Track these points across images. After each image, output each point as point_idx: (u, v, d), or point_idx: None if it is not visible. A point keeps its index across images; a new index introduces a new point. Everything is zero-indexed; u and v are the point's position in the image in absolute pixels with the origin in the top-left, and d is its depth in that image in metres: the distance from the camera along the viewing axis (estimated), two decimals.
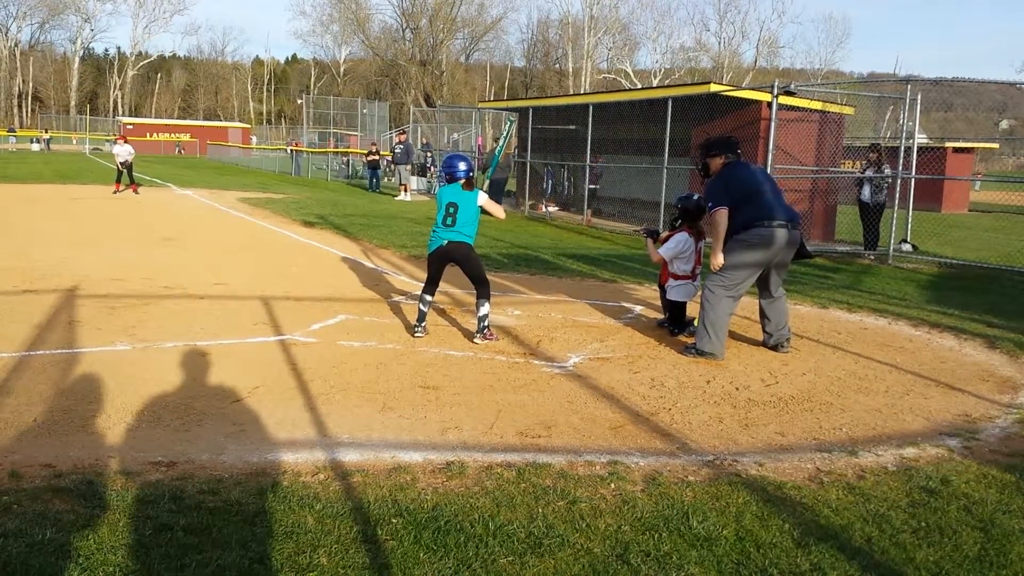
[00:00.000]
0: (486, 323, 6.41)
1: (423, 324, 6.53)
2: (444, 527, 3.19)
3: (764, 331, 6.55)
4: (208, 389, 4.94)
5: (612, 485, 3.70)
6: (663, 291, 7.02)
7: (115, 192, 20.98)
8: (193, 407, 4.57)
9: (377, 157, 27.59)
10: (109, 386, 4.85)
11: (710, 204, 6.20)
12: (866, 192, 13.43)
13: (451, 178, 6.54)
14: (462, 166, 6.54)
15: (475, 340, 6.36)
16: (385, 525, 3.20)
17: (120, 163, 21.07)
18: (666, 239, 6.93)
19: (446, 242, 6.41)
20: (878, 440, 4.49)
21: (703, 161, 6.45)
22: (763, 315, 6.50)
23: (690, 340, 6.40)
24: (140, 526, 3.09)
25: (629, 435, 4.43)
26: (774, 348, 6.45)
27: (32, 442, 3.95)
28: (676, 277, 6.84)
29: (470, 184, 6.54)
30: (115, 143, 22.05)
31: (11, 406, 4.44)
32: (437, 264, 6.55)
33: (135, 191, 21.06)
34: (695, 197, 6.90)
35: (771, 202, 6.08)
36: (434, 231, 6.49)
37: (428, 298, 6.59)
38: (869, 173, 13.49)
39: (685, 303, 6.93)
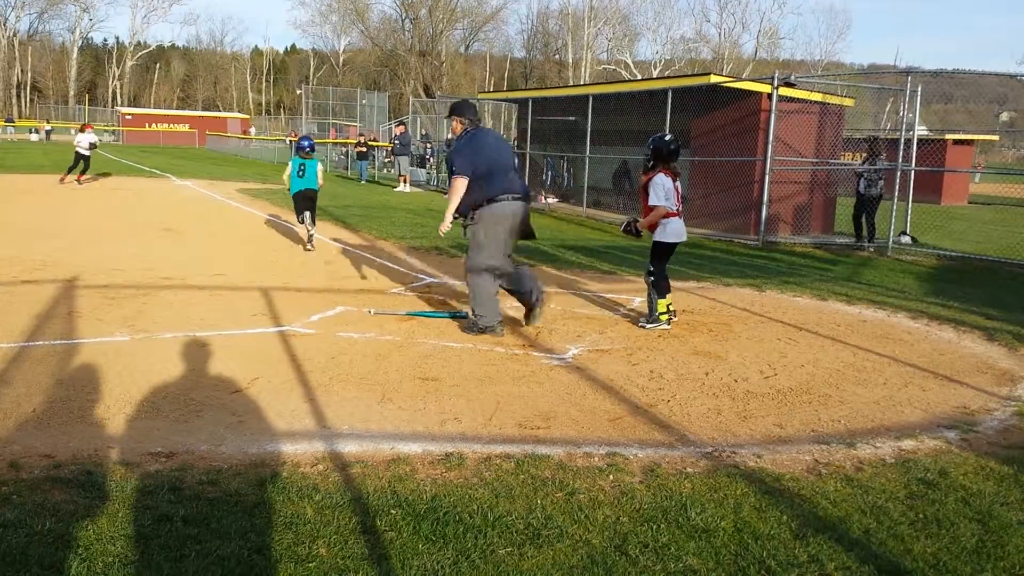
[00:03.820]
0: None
1: (311, 237, 10.83)
2: (443, 518, 3.19)
3: (520, 301, 6.59)
4: (207, 380, 4.94)
5: (611, 476, 3.70)
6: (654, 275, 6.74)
7: (80, 183, 20.22)
8: (192, 398, 4.57)
9: (365, 149, 27.29)
10: (108, 377, 4.85)
11: (453, 169, 6.33)
12: (860, 185, 13.48)
13: (302, 149, 11.14)
14: (305, 144, 11.27)
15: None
16: (384, 516, 3.20)
17: (80, 152, 20.27)
18: (645, 185, 6.72)
19: (304, 188, 10.83)
20: (876, 432, 4.50)
21: (458, 120, 6.43)
22: (510, 287, 6.54)
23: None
24: (139, 516, 3.10)
25: (628, 427, 4.44)
26: (530, 312, 6.54)
27: (31, 432, 3.95)
28: (670, 216, 6.66)
29: (311, 154, 11.13)
30: (79, 132, 21.49)
31: (10, 396, 4.44)
32: (301, 202, 10.89)
33: (79, 181, 20.19)
34: (667, 138, 6.82)
35: (513, 176, 6.36)
36: (293, 180, 10.82)
37: (304, 219, 10.88)
38: (863, 167, 13.52)
39: (675, 246, 6.79)
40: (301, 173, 10.73)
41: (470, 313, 6.47)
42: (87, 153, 20.62)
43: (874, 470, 3.90)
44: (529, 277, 6.53)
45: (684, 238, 6.86)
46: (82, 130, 21.51)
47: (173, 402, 4.49)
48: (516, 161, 6.65)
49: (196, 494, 3.31)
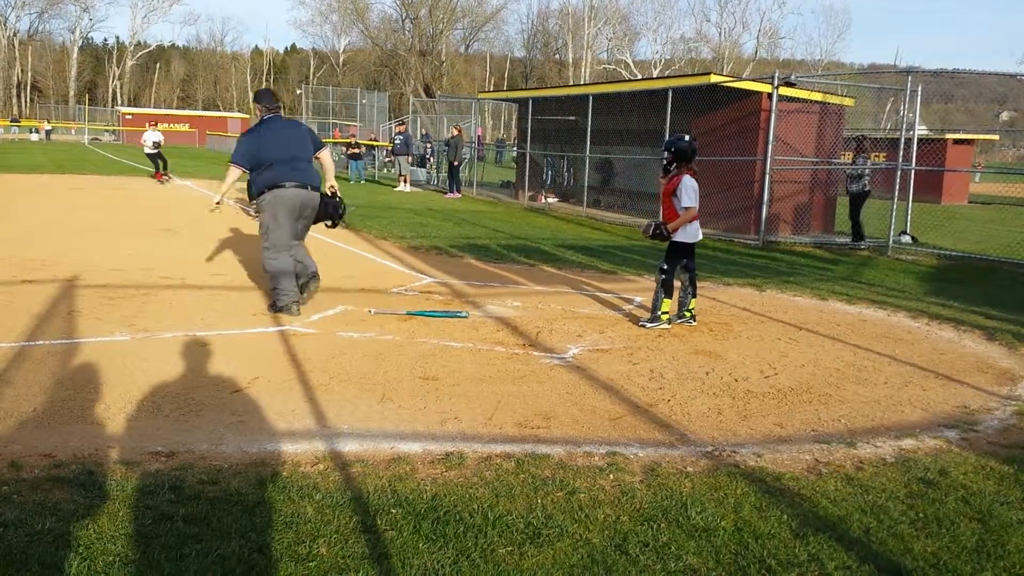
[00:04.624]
0: None
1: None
2: (443, 517, 3.19)
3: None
4: (207, 379, 4.94)
5: (611, 476, 3.70)
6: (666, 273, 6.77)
7: (161, 182, 20.70)
8: (192, 397, 4.57)
9: (359, 150, 27.22)
10: (108, 376, 4.85)
11: (233, 155, 6.81)
12: (847, 183, 13.58)
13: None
14: None
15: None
16: (384, 515, 3.20)
17: (147, 152, 20.74)
18: (672, 188, 6.71)
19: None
20: (877, 431, 4.50)
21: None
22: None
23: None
24: (140, 516, 3.10)
25: (628, 426, 4.44)
26: (302, 289, 6.90)
27: (32, 432, 3.95)
28: (694, 219, 6.73)
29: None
30: (146, 130, 21.54)
31: (11, 396, 4.44)
32: None
33: (160, 180, 20.96)
34: (687, 138, 6.82)
35: (300, 165, 6.79)
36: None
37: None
38: (850, 166, 13.59)
39: (693, 246, 6.85)
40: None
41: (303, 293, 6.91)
42: (152, 152, 20.74)
43: (874, 469, 3.91)
44: (310, 260, 7.03)
45: (700, 237, 6.91)
46: (147, 128, 21.48)
47: (173, 401, 4.50)
48: (312, 150, 6.99)
49: (196, 493, 3.31)
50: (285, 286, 6.73)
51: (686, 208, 6.64)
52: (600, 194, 18.42)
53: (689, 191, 6.63)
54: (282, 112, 7.13)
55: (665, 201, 6.82)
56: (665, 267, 6.76)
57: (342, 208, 7.25)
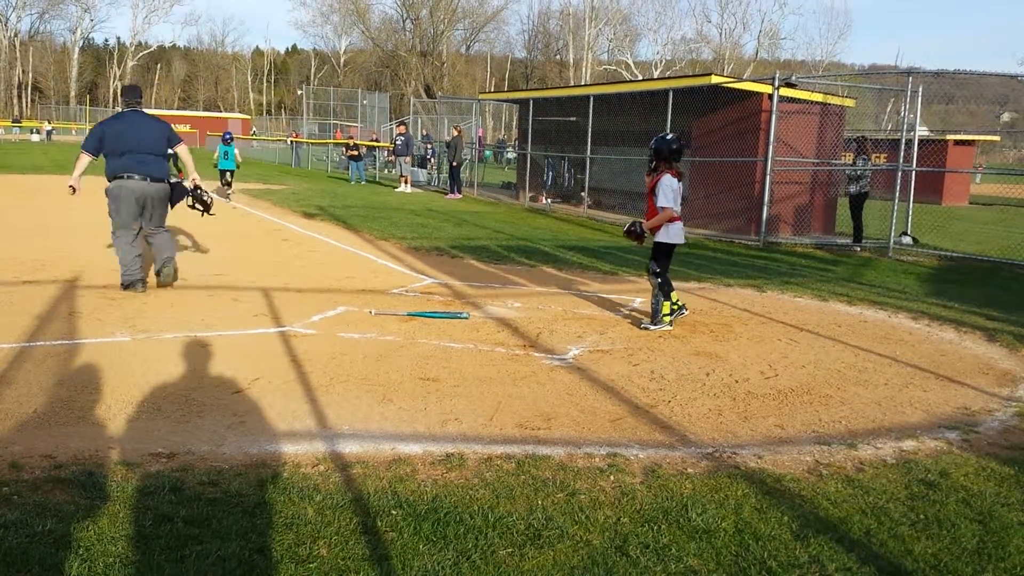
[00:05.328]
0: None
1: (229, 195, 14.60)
2: (444, 518, 3.19)
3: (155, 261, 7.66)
4: (208, 380, 4.94)
5: (611, 477, 3.70)
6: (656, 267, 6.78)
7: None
8: (193, 398, 4.57)
9: (357, 152, 27.20)
10: (109, 377, 4.85)
11: (83, 142, 7.43)
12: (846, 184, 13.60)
13: (225, 140, 17.87)
14: (227, 135, 18.17)
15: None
16: (385, 516, 3.20)
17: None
18: (652, 186, 6.71)
19: (226, 167, 16.37)
20: (877, 433, 4.50)
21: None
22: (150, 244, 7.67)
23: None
24: (140, 517, 3.10)
25: (628, 427, 4.44)
26: (157, 275, 7.58)
27: (32, 433, 3.95)
28: (673, 219, 6.70)
29: (231, 142, 16.42)
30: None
31: (11, 397, 4.44)
32: (224, 173, 17.68)
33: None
34: (669, 137, 6.81)
35: (145, 158, 7.35)
36: (220, 159, 17.41)
37: (225, 180, 16.93)
38: (852, 166, 13.58)
39: (674, 247, 6.83)
40: (226, 156, 18.13)
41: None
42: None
43: (875, 471, 3.90)
44: (166, 248, 7.65)
45: (683, 241, 6.88)
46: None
47: (174, 402, 4.50)
48: (166, 145, 7.62)
49: (197, 494, 3.31)
50: (127, 265, 7.36)
51: (662, 208, 6.62)
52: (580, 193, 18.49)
53: (667, 191, 6.60)
54: (142, 108, 7.77)
55: (649, 199, 6.82)
56: (657, 269, 6.76)
57: (206, 197, 8.16)
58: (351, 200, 18.91)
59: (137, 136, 7.36)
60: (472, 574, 2.82)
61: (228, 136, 19.06)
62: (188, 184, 7.94)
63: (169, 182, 7.66)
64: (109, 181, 7.36)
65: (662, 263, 6.76)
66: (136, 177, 7.32)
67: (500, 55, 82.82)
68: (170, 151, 7.78)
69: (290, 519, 3.14)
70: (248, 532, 3.02)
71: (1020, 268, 11.03)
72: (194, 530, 3.01)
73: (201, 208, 8.29)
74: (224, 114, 73.44)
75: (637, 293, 8.36)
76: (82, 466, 3.54)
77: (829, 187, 15.41)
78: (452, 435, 4.20)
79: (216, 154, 18.45)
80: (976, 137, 27.76)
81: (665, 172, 6.66)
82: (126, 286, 7.38)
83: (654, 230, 6.74)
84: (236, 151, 18.67)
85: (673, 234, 6.73)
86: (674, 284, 6.90)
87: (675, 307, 6.84)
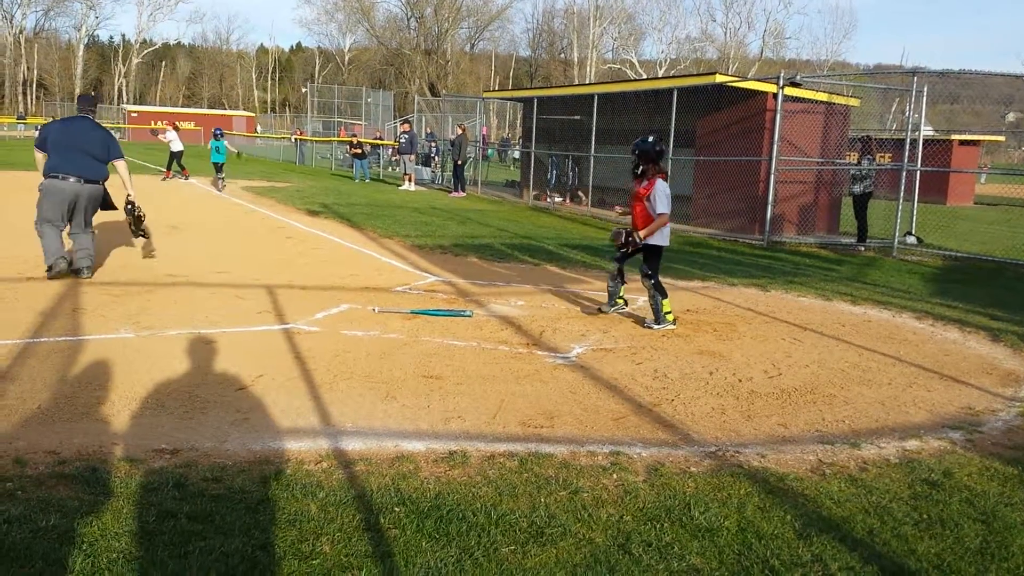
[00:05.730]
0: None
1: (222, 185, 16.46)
2: (446, 516, 3.19)
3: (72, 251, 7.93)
4: (212, 377, 4.95)
5: (614, 475, 3.70)
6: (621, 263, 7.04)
7: (164, 180, 22.04)
8: (197, 395, 4.58)
9: (362, 149, 27.18)
10: (113, 373, 4.86)
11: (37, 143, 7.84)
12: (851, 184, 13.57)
13: (216, 135, 20.20)
14: (217, 131, 20.24)
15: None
16: (388, 513, 3.21)
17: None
18: (645, 192, 6.74)
19: (217, 160, 19.45)
20: (881, 432, 4.49)
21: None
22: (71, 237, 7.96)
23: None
24: (144, 513, 3.11)
25: (631, 426, 4.44)
26: (76, 273, 7.78)
27: (36, 429, 3.96)
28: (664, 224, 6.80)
29: (221, 137, 19.31)
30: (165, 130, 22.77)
31: (15, 393, 4.45)
32: (216, 166, 20.00)
33: (166, 177, 22.32)
34: (651, 139, 6.81)
35: (81, 160, 7.74)
36: (212, 153, 19.80)
37: (218, 172, 18.81)
38: (858, 166, 13.55)
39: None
40: (217, 150, 19.91)
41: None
42: (178, 150, 22.12)
43: (878, 470, 3.90)
44: (85, 247, 7.93)
45: (667, 243, 7.00)
46: (168, 128, 22.75)
47: (178, 399, 4.50)
48: (106, 154, 7.96)
49: (200, 491, 3.32)
50: (49, 251, 7.70)
51: (660, 214, 6.69)
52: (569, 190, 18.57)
53: (663, 197, 6.69)
54: (93, 116, 8.35)
55: (637, 205, 6.84)
56: (649, 272, 6.82)
57: (139, 213, 8.52)
58: (355, 198, 18.92)
59: (79, 139, 7.77)
60: (475, 571, 2.82)
61: (218, 132, 20.76)
62: (125, 199, 8.39)
63: (103, 185, 8.00)
64: (44, 177, 7.74)
65: (654, 264, 6.86)
66: (71, 179, 7.69)
67: (504, 54, 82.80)
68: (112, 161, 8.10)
69: (293, 516, 3.15)
70: (251, 528, 3.02)
71: None
72: (197, 526, 3.02)
73: (131, 222, 8.59)
74: (228, 112, 73.50)
75: (640, 292, 8.33)
76: (86, 462, 3.55)
77: (833, 187, 15.38)
78: (455, 433, 4.20)
79: (209, 147, 20.58)
80: (981, 137, 27.67)
81: (657, 177, 6.76)
82: (50, 267, 7.65)
83: (649, 236, 6.81)
84: (227, 144, 20.63)
85: (665, 236, 6.89)
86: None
87: (620, 299, 7.18)
